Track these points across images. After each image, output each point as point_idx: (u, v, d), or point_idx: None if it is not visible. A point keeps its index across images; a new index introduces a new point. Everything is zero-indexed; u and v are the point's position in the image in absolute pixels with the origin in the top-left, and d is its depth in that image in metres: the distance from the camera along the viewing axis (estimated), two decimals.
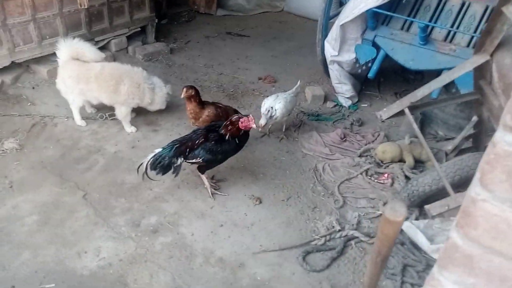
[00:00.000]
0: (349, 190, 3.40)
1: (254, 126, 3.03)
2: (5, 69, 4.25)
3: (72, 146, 3.69)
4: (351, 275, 2.73)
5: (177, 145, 3.05)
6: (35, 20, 4.27)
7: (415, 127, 3.01)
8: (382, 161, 3.64)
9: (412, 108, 3.03)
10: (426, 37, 3.90)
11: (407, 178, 3.42)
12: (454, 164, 2.94)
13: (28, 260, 2.66)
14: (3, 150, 3.51)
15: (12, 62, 4.26)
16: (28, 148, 3.59)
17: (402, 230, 2.54)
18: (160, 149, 3.05)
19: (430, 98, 3.69)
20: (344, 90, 4.54)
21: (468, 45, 3.84)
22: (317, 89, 4.69)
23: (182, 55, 5.52)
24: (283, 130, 4.04)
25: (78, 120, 3.92)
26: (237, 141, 3.09)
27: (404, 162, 3.58)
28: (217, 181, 3.41)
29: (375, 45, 4.17)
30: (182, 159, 3.05)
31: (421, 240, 2.72)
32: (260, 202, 3.23)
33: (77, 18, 4.62)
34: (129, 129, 3.92)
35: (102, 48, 4.70)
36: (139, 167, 3.02)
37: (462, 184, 2.89)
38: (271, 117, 3.65)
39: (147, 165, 2.98)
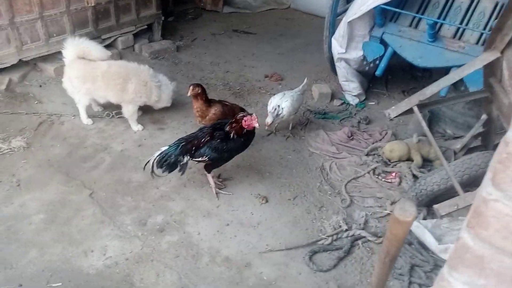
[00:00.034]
0: (356, 189, 3.38)
1: (257, 125, 3.01)
2: (12, 67, 4.27)
3: (79, 144, 3.70)
4: (358, 275, 2.70)
5: (183, 143, 3.05)
6: (42, 18, 4.29)
7: (424, 125, 2.99)
8: (389, 160, 3.61)
9: (421, 106, 3.01)
10: (435, 34, 3.87)
11: (415, 177, 3.39)
12: (463, 163, 2.92)
13: (35, 258, 2.67)
14: (10, 149, 3.52)
15: (20, 60, 4.27)
16: (35, 147, 3.60)
17: (410, 230, 2.52)
18: (166, 147, 3.05)
19: (438, 96, 3.65)
20: (351, 88, 4.50)
21: (477, 42, 3.82)
22: (324, 87, 4.66)
23: (188, 53, 5.52)
24: (290, 128, 4.02)
25: (84, 119, 3.93)
26: (243, 140, 3.08)
27: (412, 161, 3.54)
28: (223, 179, 3.40)
29: (383, 42, 4.14)
30: (188, 157, 3.05)
31: (429, 240, 2.70)
32: (267, 201, 3.22)
33: (84, 16, 4.63)
34: (136, 127, 3.92)
35: (108, 46, 4.72)
36: (145, 165, 3.02)
37: (471, 183, 2.87)
38: (277, 115, 3.63)
39: (153, 163, 2.99)
